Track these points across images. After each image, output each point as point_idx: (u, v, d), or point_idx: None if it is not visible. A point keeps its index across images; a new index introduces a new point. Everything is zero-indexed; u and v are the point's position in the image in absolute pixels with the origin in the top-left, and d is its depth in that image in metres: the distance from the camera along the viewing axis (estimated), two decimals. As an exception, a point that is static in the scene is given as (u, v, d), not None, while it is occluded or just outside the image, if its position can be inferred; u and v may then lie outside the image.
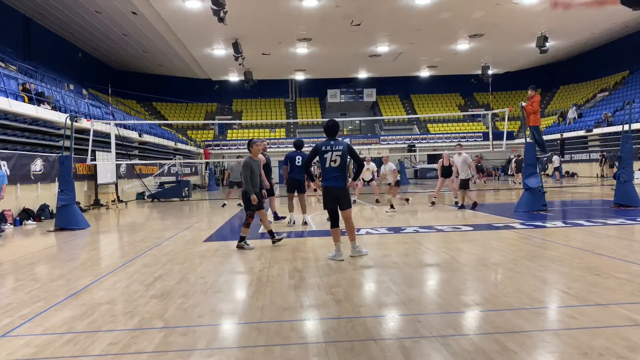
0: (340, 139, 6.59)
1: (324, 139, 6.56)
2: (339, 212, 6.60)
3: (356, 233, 8.25)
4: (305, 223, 10.13)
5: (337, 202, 6.50)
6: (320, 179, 6.72)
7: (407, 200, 15.02)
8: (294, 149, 10.70)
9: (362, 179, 16.13)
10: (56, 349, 3.55)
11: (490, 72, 38.74)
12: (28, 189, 13.73)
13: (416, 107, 44.81)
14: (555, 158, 27.81)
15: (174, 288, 5.23)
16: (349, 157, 6.55)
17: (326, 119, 7.27)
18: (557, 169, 28.72)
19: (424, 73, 43.38)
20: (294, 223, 10.32)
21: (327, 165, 6.35)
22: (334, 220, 6.59)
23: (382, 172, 14.48)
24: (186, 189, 21.06)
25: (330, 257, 6.49)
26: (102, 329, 3.97)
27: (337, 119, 6.94)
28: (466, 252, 6.86)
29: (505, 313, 4.05)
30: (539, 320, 3.93)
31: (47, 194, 14.48)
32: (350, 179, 6.76)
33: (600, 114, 30.98)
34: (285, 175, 10.88)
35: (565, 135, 33.28)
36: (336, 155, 6.32)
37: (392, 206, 12.81)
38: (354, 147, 7.60)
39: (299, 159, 10.28)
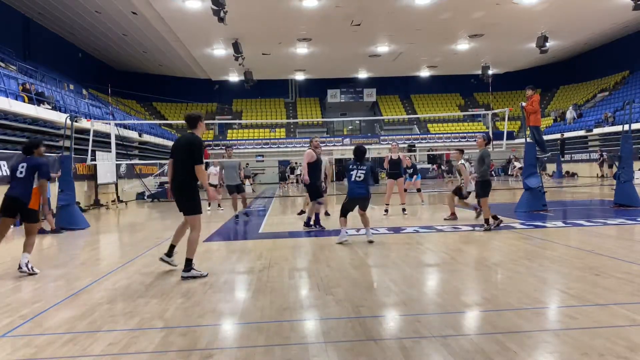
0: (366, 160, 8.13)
1: (352, 159, 8.06)
2: (360, 211, 8.02)
3: (356, 233, 8.47)
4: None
5: (358, 205, 8.03)
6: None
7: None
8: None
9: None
10: (56, 349, 3.55)
11: (490, 72, 38.66)
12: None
13: (416, 107, 44.76)
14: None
15: (174, 288, 5.23)
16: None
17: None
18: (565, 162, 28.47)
19: (424, 73, 43.35)
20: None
21: (353, 179, 7.99)
22: (346, 213, 8.08)
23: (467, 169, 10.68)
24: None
25: (338, 242, 7.75)
26: (102, 329, 3.97)
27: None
28: (466, 252, 6.86)
29: (505, 313, 4.05)
30: (539, 320, 3.93)
31: (47, 194, 14.45)
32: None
33: (601, 114, 30.95)
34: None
35: (565, 135, 33.27)
36: (361, 173, 7.95)
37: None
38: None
39: (22, 166, 6.46)
